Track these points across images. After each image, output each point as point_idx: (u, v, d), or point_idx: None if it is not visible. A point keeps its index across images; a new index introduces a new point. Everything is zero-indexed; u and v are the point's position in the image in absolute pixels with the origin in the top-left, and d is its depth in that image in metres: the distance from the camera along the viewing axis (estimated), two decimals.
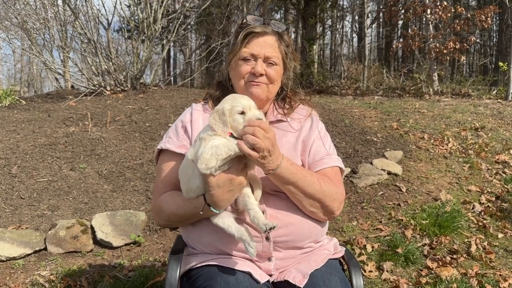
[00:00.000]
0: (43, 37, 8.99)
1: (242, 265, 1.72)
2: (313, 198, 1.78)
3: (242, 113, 1.62)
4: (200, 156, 1.58)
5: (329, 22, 20.76)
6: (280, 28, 1.92)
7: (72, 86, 10.51)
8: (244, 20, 1.92)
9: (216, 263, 1.74)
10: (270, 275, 1.79)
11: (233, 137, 1.62)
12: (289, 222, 1.79)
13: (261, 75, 1.87)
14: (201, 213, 1.70)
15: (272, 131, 1.60)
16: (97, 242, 3.77)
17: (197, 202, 1.71)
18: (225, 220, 1.69)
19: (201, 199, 1.70)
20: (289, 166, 1.71)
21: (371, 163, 5.22)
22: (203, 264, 1.77)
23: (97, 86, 8.18)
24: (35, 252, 3.60)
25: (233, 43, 1.94)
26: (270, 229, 1.56)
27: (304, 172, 1.78)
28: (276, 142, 1.65)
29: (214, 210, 1.67)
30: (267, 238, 1.76)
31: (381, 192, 4.76)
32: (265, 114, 1.98)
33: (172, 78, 15.74)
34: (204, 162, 1.56)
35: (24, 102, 7.86)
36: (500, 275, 3.54)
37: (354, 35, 27.52)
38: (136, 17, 8.86)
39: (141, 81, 8.79)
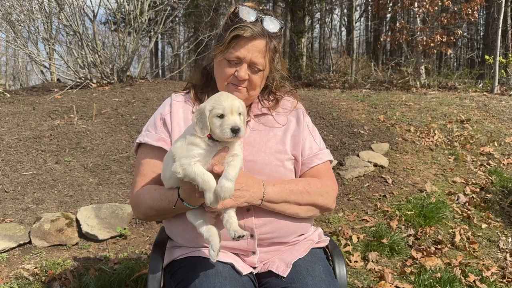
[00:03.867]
0: (28, 29, 8.84)
1: (224, 257, 1.72)
2: (307, 205, 1.81)
3: (222, 116, 1.53)
4: (176, 160, 1.55)
5: (318, 15, 20.73)
6: (273, 28, 1.81)
7: (58, 80, 10.35)
8: (237, 10, 1.79)
9: (198, 255, 1.73)
10: (254, 267, 1.80)
11: (212, 139, 1.56)
12: (274, 220, 1.79)
13: (244, 80, 1.81)
14: (173, 207, 1.67)
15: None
16: (83, 235, 3.75)
17: (171, 196, 1.68)
18: (198, 217, 1.64)
19: (175, 193, 1.67)
20: (273, 188, 1.73)
21: (358, 155, 5.25)
22: (185, 256, 1.77)
23: (83, 78, 8.07)
24: (19, 245, 3.56)
25: (220, 34, 1.84)
26: (239, 237, 1.53)
27: (289, 185, 1.78)
28: (247, 176, 1.66)
29: (187, 205, 1.64)
30: (252, 236, 1.76)
31: (367, 184, 4.79)
32: (250, 107, 1.96)
33: (160, 71, 15.62)
34: (177, 170, 1.53)
35: (8, 95, 7.73)
36: (483, 264, 3.60)
37: (343, 28, 27.55)
38: (123, 9, 8.74)
39: (128, 73, 8.70)
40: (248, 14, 1.77)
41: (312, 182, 1.84)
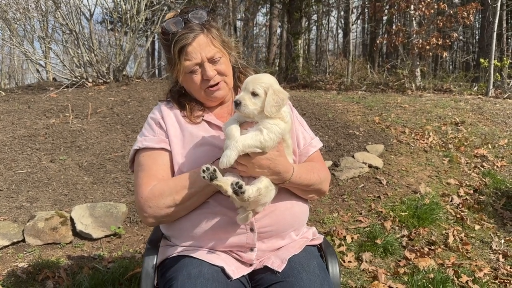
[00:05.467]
0: (23, 27, 8.82)
1: (215, 259, 1.71)
2: (315, 189, 1.92)
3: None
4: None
5: (314, 17, 20.79)
6: (201, 17, 1.84)
7: (54, 79, 10.32)
8: (164, 29, 1.83)
9: (189, 255, 1.74)
10: (251, 264, 1.80)
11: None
12: (273, 213, 1.81)
13: (214, 76, 1.86)
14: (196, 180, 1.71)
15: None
16: (77, 233, 3.74)
17: (192, 172, 1.75)
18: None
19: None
20: (299, 179, 1.81)
21: (353, 157, 5.27)
22: (177, 255, 1.78)
23: (79, 77, 8.06)
24: (13, 243, 3.55)
25: (167, 57, 1.88)
26: (238, 185, 1.57)
27: (309, 173, 1.87)
28: (282, 156, 1.72)
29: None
30: (251, 229, 1.77)
31: (362, 185, 4.81)
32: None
33: (156, 71, 15.61)
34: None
35: (3, 94, 7.70)
36: (475, 265, 3.62)
37: (340, 30, 27.64)
38: (120, 9, 8.73)
39: (124, 73, 8.69)
40: (174, 24, 1.82)
41: (319, 168, 1.96)
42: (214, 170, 1.56)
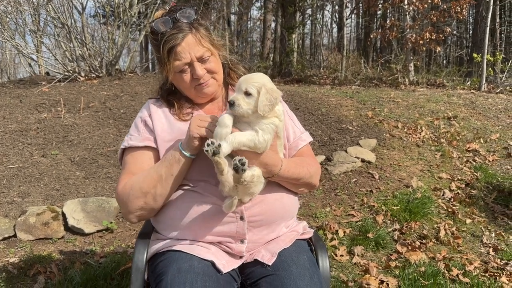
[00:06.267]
0: (15, 21, 8.71)
1: (205, 253, 1.71)
2: (305, 183, 1.93)
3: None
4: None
5: (309, 11, 20.72)
6: (190, 16, 1.84)
7: (47, 73, 10.22)
8: (153, 28, 1.83)
9: (180, 249, 1.73)
10: (241, 257, 1.81)
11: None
12: (262, 202, 1.81)
13: (204, 75, 1.87)
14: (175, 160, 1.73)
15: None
16: (69, 228, 3.73)
17: (170, 155, 1.76)
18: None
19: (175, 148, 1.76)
20: (287, 173, 1.82)
21: (346, 151, 5.28)
22: (168, 249, 1.77)
23: (71, 72, 7.99)
24: (4, 239, 3.54)
25: (157, 57, 1.89)
26: (241, 163, 1.57)
27: (298, 167, 1.87)
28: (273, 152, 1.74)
29: (185, 153, 1.72)
30: (242, 218, 1.77)
31: (354, 179, 4.82)
32: (227, 95, 2.04)
33: (149, 65, 15.52)
34: None
35: None
36: (466, 258, 3.65)
37: (334, 25, 27.58)
38: (112, 2, 8.65)
39: (117, 67, 8.63)
40: (163, 24, 1.82)
41: (309, 162, 1.97)
42: (219, 146, 1.56)
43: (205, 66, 1.88)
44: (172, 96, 1.99)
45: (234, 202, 1.70)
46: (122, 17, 8.39)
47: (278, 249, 1.79)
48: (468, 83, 11.37)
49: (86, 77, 7.96)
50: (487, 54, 10.36)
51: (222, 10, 18.17)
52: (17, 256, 3.36)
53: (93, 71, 8.10)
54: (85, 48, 8.06)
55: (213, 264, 1.69)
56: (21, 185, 4.25)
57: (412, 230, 4.03)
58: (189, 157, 1.73)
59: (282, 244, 1.84)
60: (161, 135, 1.88)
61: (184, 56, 1.82)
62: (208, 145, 1.56)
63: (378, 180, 4.85)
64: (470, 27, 23.40)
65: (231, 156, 1.65)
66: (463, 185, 5.05)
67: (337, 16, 25.16)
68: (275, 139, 1.74)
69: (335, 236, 3.82)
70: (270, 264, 1.73)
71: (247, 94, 1.64)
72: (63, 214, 3.76)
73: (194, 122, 1.70)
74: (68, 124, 5.48)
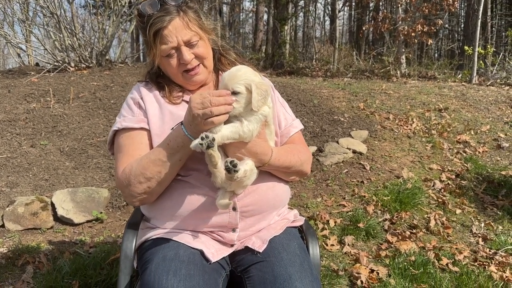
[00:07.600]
0: (3, 10, 8.57)
1: (194, 242, 1.69)
2: (296, 171, 1.91)
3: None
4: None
5: (302, 3, 20.64)
6: None
7: (37, 63, 10.09)
8: (140, 11, 1.78)
9: (168, 237, 1.71)
10: (232, 245, 1.80)
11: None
12: (254, 192, 1.80)
13: (191, 60, 1.82)
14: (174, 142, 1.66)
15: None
16: (58, 219, 3.69)
17: (171, 136, 1.70)
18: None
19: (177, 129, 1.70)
20: (278, 162, 1.79)
21: (337, 142, 5.28)
22: (156, 237, 1.75)
23: (61, 62, 7.89)
24: None
25: (144, 40, 1.85)
26: (233, 164, 1.56)
27: (289, 155, 1.85)
28: (263, 140, 1.70)
29: (188, 135, 1.63)
30: (234, 209, 1.76)
31: (345, 170, 4.83)
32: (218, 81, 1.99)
33: (140, 55, 15.40)
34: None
35: None
36: (456, 248, 3.68)
37: (327, 17, 27.53)
38: None
39: (107, 57, 8.54)
40: (150, 6, 1.77)
41: (300, 149, 1.95)
42: (213, 139, 1.54)
43: (193, 50, 1.81)
44: (161, 79, 1.94)
45: (229, 203, 1.70)
46: (112, 7, 8.29)
47: (269, 237, 1.78)
48: (459, 75, 11.43)
49: (76, 68, 7.87)
50: (478, 47, 10.40)
51: (214, 0, 18.03)
52: (5, 246, 3.32)
53: (83, 62, 8.01)
54: (75, 38, 7.96)
55: (202, 253, 1.66)
56: (10, 175, 4.20)
57: (403, 220, 4.05)
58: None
59: (273, 232, 1.83)
60: (153, 120, 1.84)
61: (170, 40, 1.77)
62: (202, 138, 1.53)
63: (369, 171, 4.87)
64: (462, 20, 23.49)
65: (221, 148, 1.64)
66: (453, 176, 5.08)
67: (329, 8, 25.09)
68: (263, 127, 1.71)
69: (326, 226, 3.82)
70: (260, 251, 1.72)
71: (235, 93, 1.59)
72: (52, 204, 3.73)
73: (195, 100, 1.59)
74: (57, 115, 5.41)
